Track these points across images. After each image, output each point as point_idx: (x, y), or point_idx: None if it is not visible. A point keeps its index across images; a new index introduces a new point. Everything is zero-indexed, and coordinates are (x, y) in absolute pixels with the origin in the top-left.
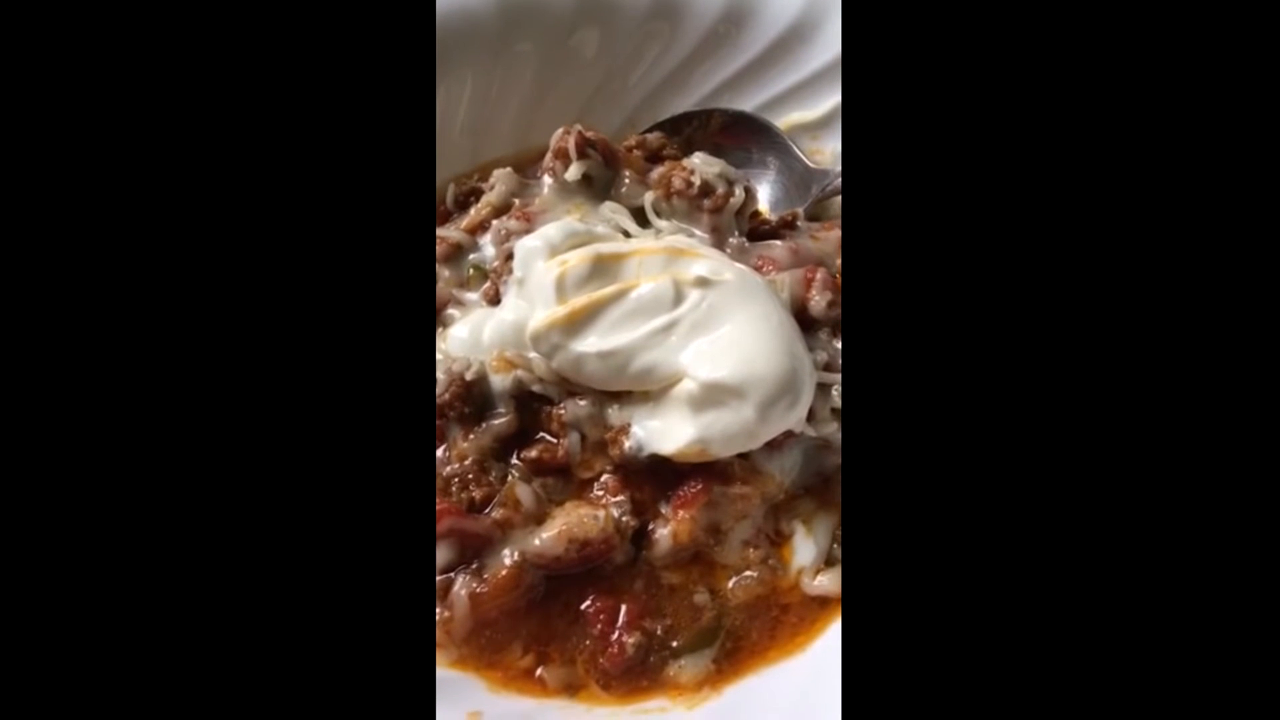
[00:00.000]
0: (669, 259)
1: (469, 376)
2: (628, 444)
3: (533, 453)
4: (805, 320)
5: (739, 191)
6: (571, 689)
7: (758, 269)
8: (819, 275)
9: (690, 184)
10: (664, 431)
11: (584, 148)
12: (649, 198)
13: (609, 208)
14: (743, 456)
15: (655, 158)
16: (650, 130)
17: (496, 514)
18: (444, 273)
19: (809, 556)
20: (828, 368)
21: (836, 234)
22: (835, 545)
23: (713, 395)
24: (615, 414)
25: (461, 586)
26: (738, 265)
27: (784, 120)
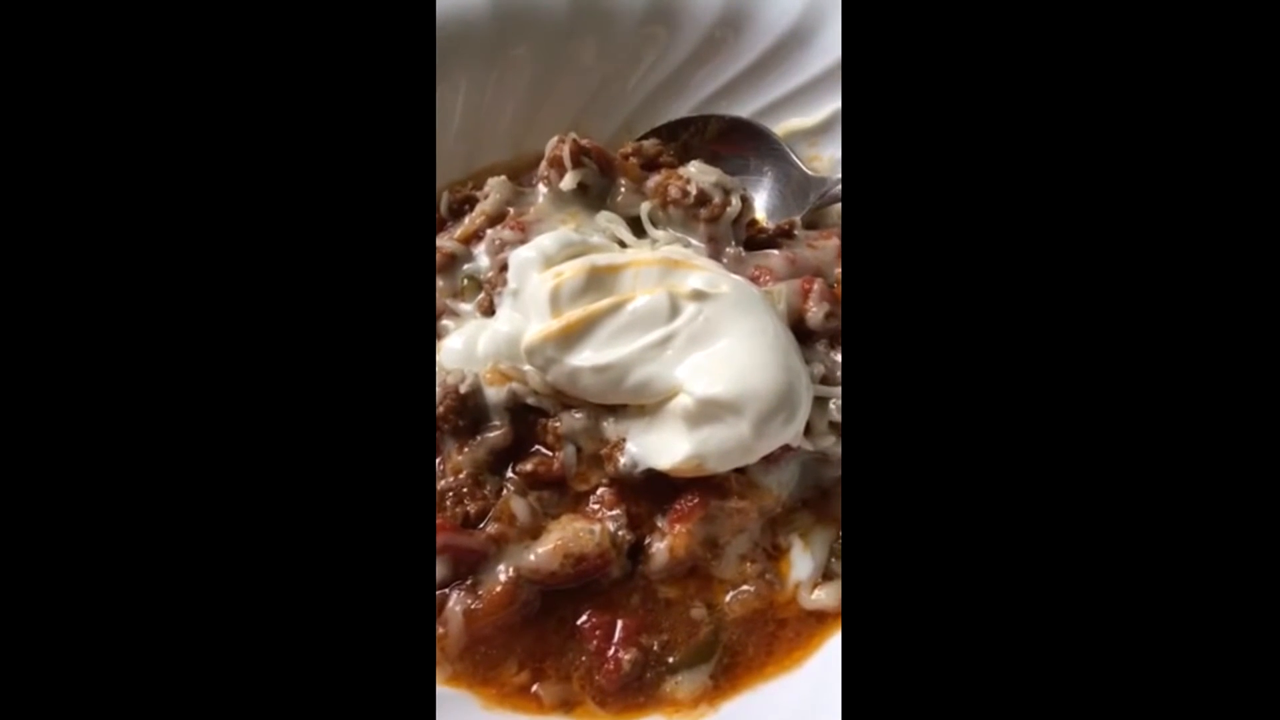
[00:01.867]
0: (665, 270)
1: (463, 389)
2: (622, 460)
3: (528, 466)
4: (802, 332)
5: (736, 200)
6: (567, 706)
7: (755, 279)
8: (816, 286)
9: (686, 193)
10: (660, 446)
11: (579, 156)
12: (645, 208)
13: (605, 217)
14: (740, 471)
15: (651, 165)
16: (646, 136)
17: (491, 528)
18: (438, 283)
19: (806, 571)
20: (825, 380)
21: (834, 242)
22: (833, 559)
23: (709, 410)
24: (611, 427)
25: (456, 603)
26: (734, 277)
27: (781, 126)
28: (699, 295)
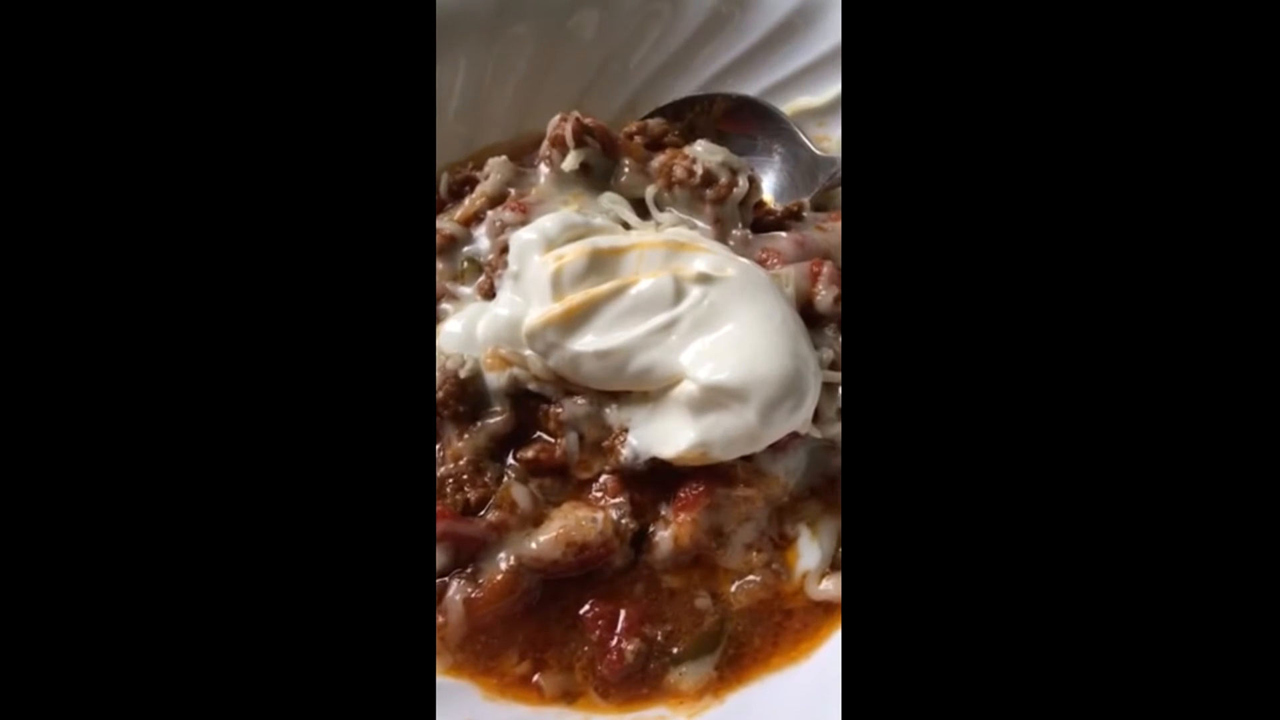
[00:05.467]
0: (669, 253)
1: (463, 374)
2: (624, 453)
3: (529, 452)
4: (811, 316)
5: (743, 181)
6: (569, 696)
7: (762, 262)
8: (825, 269)
9: (692, 173)
10: (664, 434)
11: (581, 135)
12: (650, 192)
13: (608, 198)
14: (746, 458)
15: (656, 144)
16: (651, 115)
17: (492, 516)
18: (438, 265)
19: (814, 560)
20: (833, 366)
21: None
22: (841, 549)
23: (713, 397)
24: (613, 414)
25: (456, 591)
26: (741, 260)
27: (789, 105)
28: (704, 279)
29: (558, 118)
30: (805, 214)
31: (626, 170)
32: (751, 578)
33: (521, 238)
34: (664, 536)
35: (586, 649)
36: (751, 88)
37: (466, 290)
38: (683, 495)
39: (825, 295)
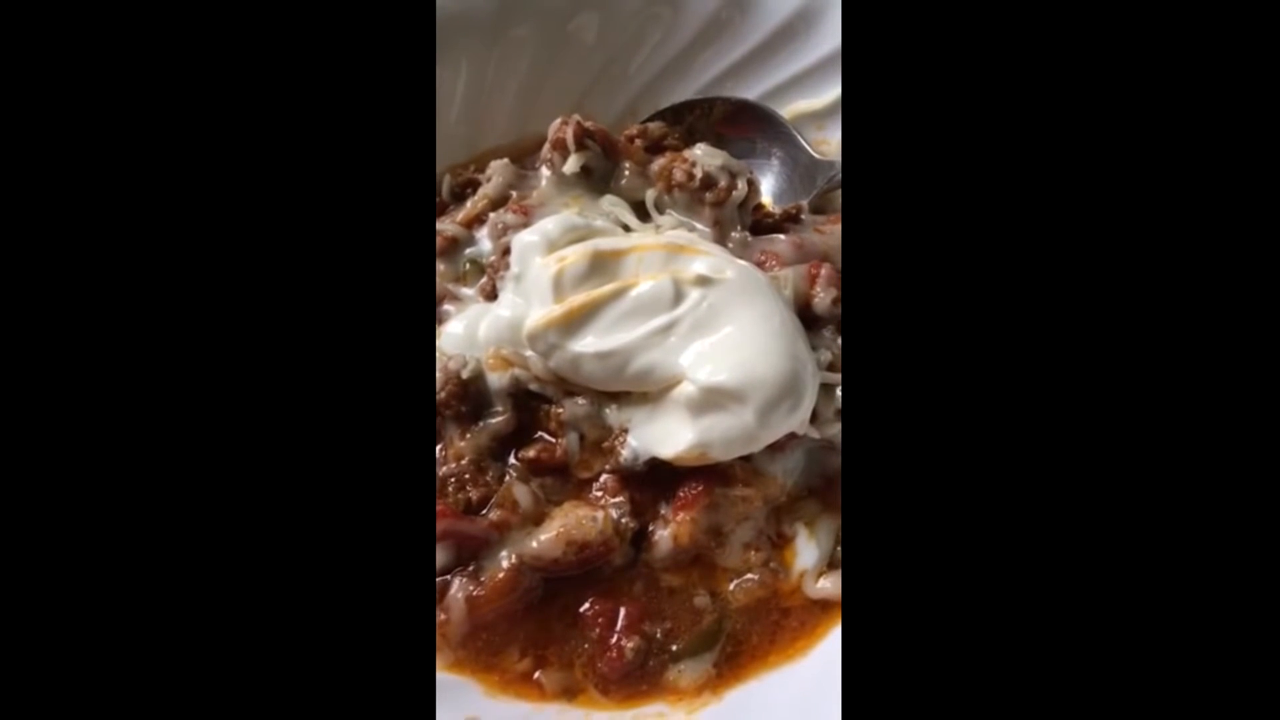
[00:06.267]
0: (669, 255)
1: (465, 375)
2: (624, 454)
3: (531, 452)
4: (809, 318)
5: (742, 184)
6: (569, 693)
7: (760, 264)
8: (823, 271)
9: (692, 176)
10: (663, 434)
11: (582, 139)
12: (650, 194)
13: (608, 201)
14: (744, 458)
15: (656, 147)
16: (651, 119)
17: (494, 515)
18: (440, 267)
19: (811, 559)
20: (831, 367)
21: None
22: (838, 548)
23: (712, 399)
24: (614, 415)
25: (458, 589)
26: (739, 262)
27: (789, 109)
28: (703, 281)
29: (559, 121)
30: (804, 217)
31: (627, 173)
32: (750, 576)
33: (523, 240)
34: (663, 535)
35: (587, 646)
36: (751, 91)
37: (469, 292)
38: (682, 495)
39: (823, 297)
